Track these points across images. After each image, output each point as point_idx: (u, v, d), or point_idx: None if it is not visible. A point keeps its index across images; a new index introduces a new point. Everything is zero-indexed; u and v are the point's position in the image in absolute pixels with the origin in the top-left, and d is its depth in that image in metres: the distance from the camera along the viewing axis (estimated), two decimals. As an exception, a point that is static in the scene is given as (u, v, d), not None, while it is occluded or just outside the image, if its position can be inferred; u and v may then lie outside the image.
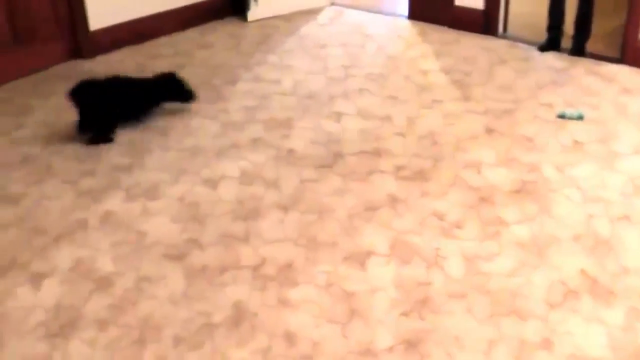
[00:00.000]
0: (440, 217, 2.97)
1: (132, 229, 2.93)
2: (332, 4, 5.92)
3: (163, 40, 5.10)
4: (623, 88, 4.15)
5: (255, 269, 2.68)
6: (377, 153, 3.48)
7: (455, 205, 3.05)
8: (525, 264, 2.68)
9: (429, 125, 3.75)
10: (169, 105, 3.92)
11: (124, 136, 3.68)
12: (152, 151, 3.56)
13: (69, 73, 4.48)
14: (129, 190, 3.22)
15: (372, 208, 3.04)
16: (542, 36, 4.75)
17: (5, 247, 2.84)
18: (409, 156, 3.45)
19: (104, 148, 3.58)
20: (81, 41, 4.68)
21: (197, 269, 2.68)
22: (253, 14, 5.50)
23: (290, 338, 2.34)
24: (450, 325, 2.39)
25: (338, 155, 3.47)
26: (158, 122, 3.82)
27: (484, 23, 5.05)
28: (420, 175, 3.28)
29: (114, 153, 3.54)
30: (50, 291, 2.58)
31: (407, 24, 5.39)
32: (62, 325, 2.41)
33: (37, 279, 2.64)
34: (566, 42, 4.67)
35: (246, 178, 3.30)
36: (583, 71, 4.38)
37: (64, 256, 2.77)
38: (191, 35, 5.23)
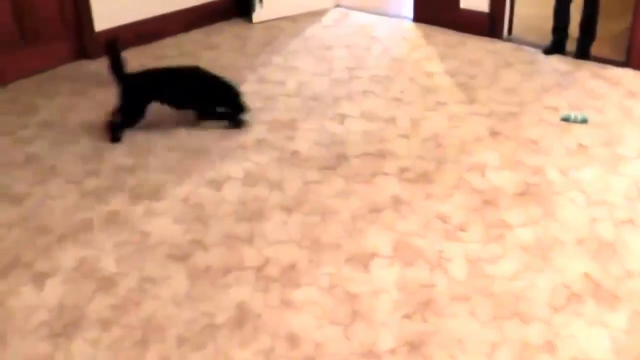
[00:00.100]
0: (444, 219, 2.97)
1: (136, 230, 2.93)
2: (337, 5, 5.93)
3: (168, 41, 5.11)
4: (628, 91, 4.14)
5: (259, 270, 2.68)
6: (381, 155, 3.48)
7: (459, 207, 3.05)
8: (528, 267, 2.67)
9: (433, 128, 3.75)
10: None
11: (128, 137, 3.69)
12: (157, 152, 3.56)
13: (74, 73, 4.50)
14: (133, 190, 3.22)
15: (375, 210, 3.04)
16: (547, 39, 4.74)
17: (8, 246, 2.85)
18: (413, 158, 3.45)
19: (108, 148, 3.59)
20: (87, 42, 4.70)
21: (201, 270, 2.68)
22: (258, 15, 5.51)
23: (293, 339, 2.34)
24: (453, 328, 2.38)
25: (342, 157, 3.47)
26: (162, 123, 3.83)
27: (489, 26, 5.04)
28: (424, 178, 3.28)
29: (118, 153, 3.55)
30: (54, 291, 2.58)
31: (412, 26, 5.39)
32: (65, 325, 2.42)
33: (40, 279, 2.65)
34: (571, 45, 4.67)
35: (250, 179, 3.30)
36: (588, 74, 4.38)
37: (67, 256, 2.77)
38: (196, 36, 5.24)
